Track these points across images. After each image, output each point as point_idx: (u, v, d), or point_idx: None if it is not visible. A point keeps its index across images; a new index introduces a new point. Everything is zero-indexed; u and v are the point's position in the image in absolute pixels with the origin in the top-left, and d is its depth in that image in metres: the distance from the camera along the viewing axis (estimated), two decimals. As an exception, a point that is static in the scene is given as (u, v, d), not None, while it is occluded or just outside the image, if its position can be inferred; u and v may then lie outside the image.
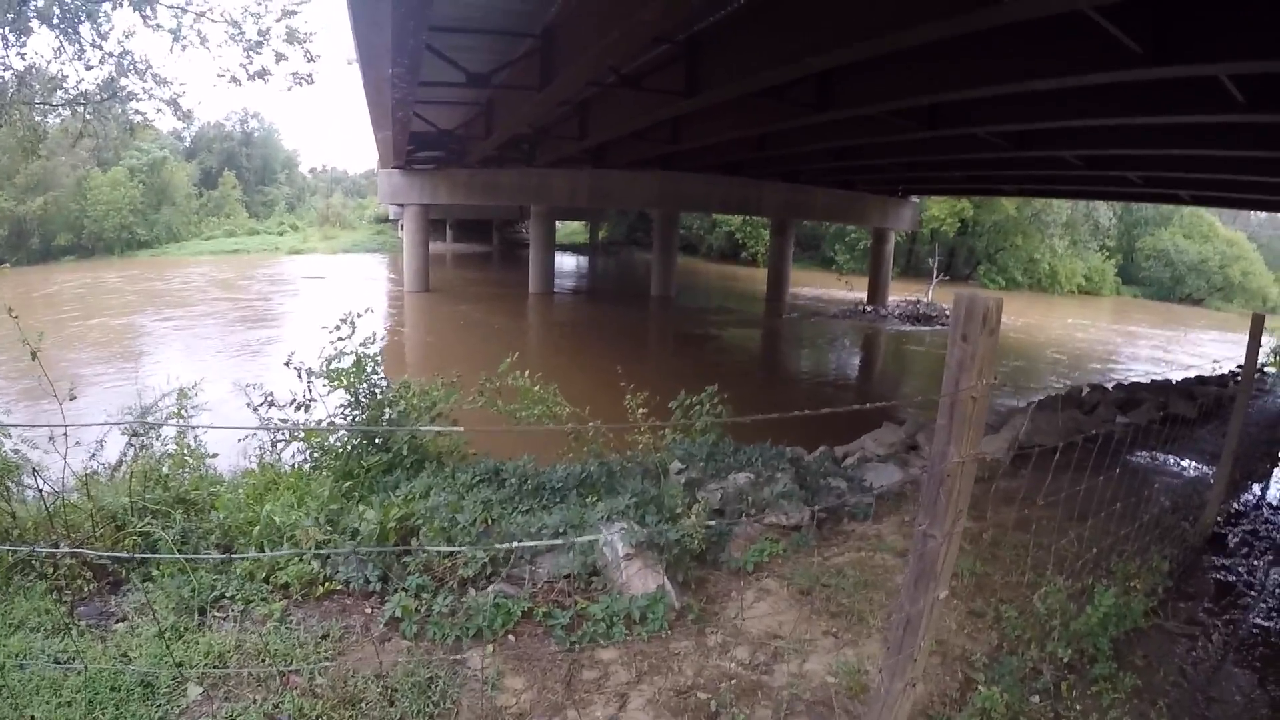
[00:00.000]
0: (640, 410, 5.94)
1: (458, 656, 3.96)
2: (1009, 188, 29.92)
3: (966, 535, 3.28)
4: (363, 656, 3.92)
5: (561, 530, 4.89)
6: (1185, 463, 8.64)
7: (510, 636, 4.16)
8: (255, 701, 3.55)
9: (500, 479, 5.76)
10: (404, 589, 4.32)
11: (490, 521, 5.05)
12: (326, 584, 4.49)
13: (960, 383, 2.46)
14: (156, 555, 4.58)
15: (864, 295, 37.57)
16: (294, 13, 13.47)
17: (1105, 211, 57.28)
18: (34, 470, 5.13)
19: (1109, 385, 15.94)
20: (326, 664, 3.81)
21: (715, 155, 25.97)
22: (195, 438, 5.93)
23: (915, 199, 38.83)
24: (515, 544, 4.65)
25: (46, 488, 4.99)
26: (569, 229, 69.03)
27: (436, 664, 3.85)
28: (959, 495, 2.61)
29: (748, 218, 51.95)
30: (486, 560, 4.60)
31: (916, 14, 8.32)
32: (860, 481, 6.88)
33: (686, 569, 4.77)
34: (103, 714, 3.41)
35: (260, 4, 13.23)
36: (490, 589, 4.42)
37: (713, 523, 5.09)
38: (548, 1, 12.57)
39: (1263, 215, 62.40)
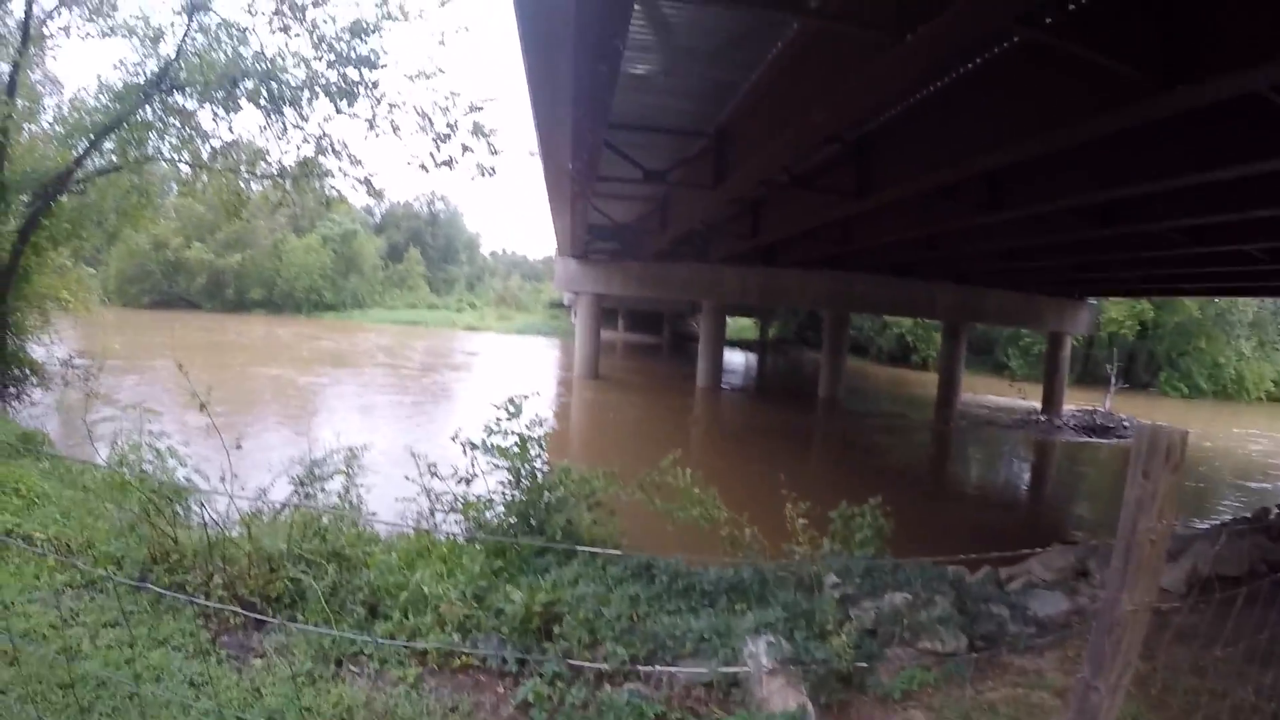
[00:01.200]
0: (800, 521, 5.74)
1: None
2: (1189, 286, 28.49)
3: (1133, 678, 3.00)
4: (488, 736, 3.84)
5: (707, 636, 4.73)
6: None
7: None
8: None
9: (651, 575, 5.63)
10: (540, 674, 4.26)
11: (636, 618, 4.92)
12: (464, 657, 4.46)
13: (1138, 523, 2.24)
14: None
15: (1038, 403, 35.60)
16: (479, 108, 14.01)
17: None
18: (202, 503, 5.38)
19: None
20: None
21: (885, 256, 25.72)
22: (358, 494, 6.15)
23: (1092, 300, 36.97)
24: (657, 645, 4.53)
25: (211, 519, 5.25)
26: (738, 325, 69.08)
27: None
28: (1129, 646, 2.37)
29: (918, 320, 50.75)
30: (626, 657, 4.47)
31: (1084, 109, 8.11)
32: (1023, 609, 6.45)
33: (831, 690, 4.53)
34: None
35: (449, 98, 13.73)
36: (626, 687, 4.29)
37: (862, 645, 4.84)
38: (720, 102, 12.76)
39: None
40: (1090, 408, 33.72)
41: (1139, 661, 2.58)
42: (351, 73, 13.66)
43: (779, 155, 11.57)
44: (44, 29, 14.80)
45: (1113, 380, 38.33)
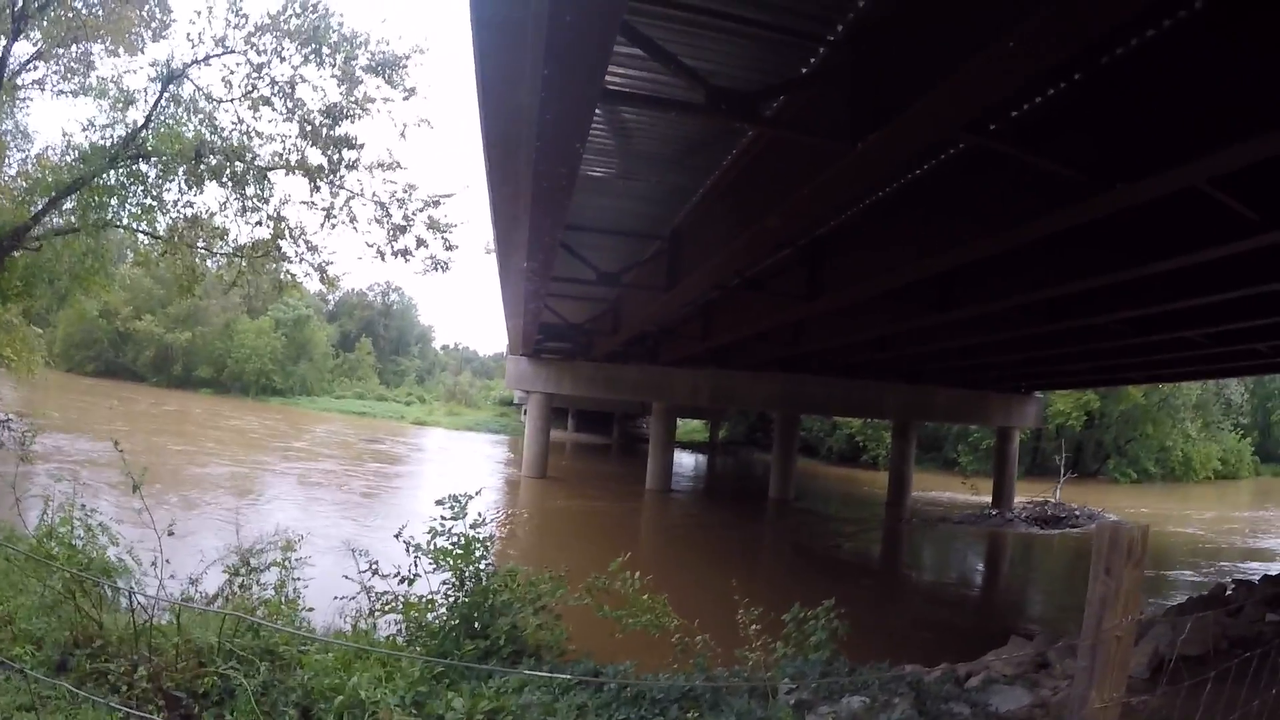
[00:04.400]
0: (753, 627, 5.68)
1: None
2: (1136, 374, 29.01)
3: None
4: None
5: None
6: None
7: None
8: None
9: (599, 683, 5.53)
10: None
11: None
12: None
13: (1103, 621, 2.25)
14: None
15: (989, 498, 35.63)
16: (437, 203, 14.21)
17: (1236, 388, 55.14)
18: (131, 587, 5.28)
19: (1255, 580, 14.80)
20: None
21: (836, 357, 26.02)
22: (294, 589, 5.98)
23: (1039, 394, 37.52)
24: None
25: (140, 603, 5.07)
26: (689, 427, 69.08)
27: None
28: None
29: (868, 419, 51.07)
30: None
31: (1029, 210, 8.37)
32: (985, 706, 6.36)
33: None
34: None
35: (406, 190, 13.93)
36: None
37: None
38: (676, 206, 12.99)
39: None
40: (1041, 499, 33.88)
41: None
42: (333, 154, 13.84)
43: (732, 259, 11.71)
44: (17, 80, 14.88)
45: (1062, 470, 38.84)
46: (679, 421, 43.86)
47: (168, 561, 5.38)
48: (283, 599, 5.86)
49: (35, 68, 15.04)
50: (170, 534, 5.64)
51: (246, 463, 30.09)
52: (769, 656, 5.68)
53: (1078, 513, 31.05)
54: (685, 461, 52.06)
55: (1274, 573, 15.86)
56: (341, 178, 14.30)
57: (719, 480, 49.32)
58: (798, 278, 13.96)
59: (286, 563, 5.94)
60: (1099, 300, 13.39)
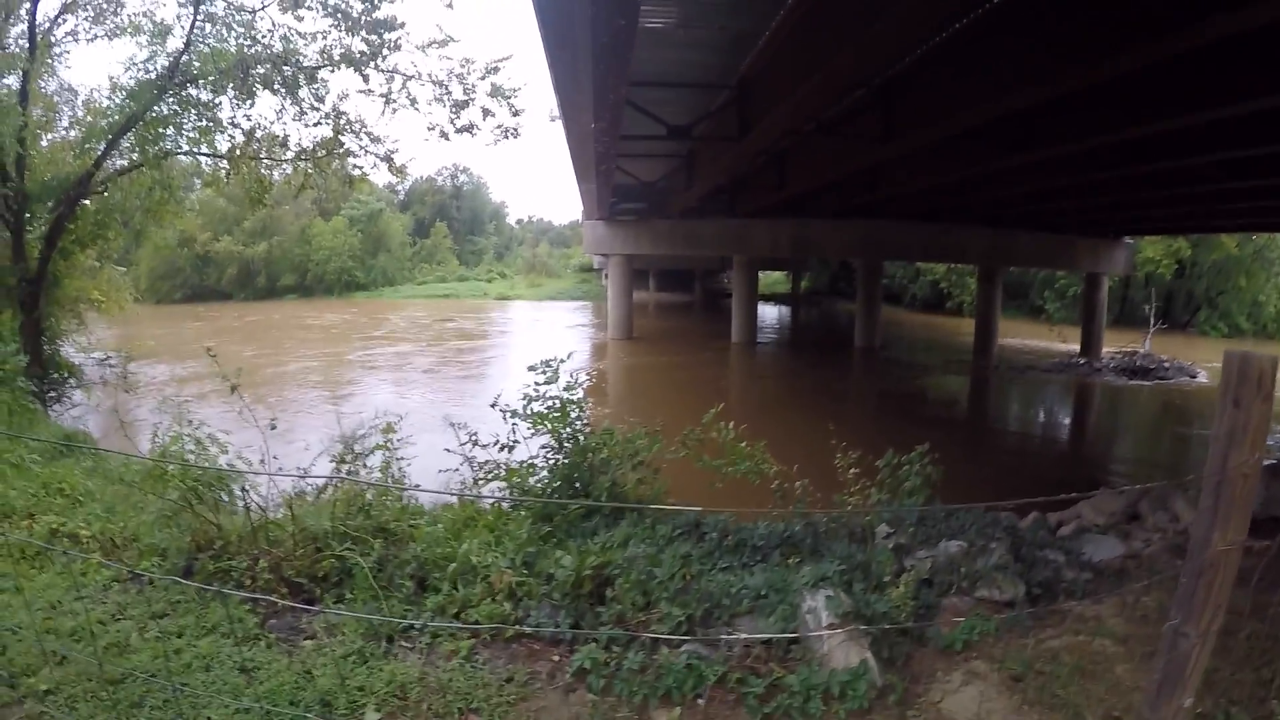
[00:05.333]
0: (851, 470, 5.61)
1: (644, 717, 3.80)
2: (1229, 222, 27.62)
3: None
4: (546, 705, 3.83)
5: (763, 593, 4.64)
6: None
7: (700, 701, 3.94)
8: None
9: (700, 533, 5.56)
10: (595, 640, 4.18)
11: (689, 578, 4.82)
12: (516, 627, 4.41)
13: (1229, 458, 2.10)
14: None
15: (1076, 346, 35.02)
16: (496, 69, 13.89)
17: None
18: (244, 487, 5.46)
19: None
20: (508, 708, 3.76)
21: (915, 201, 25.26)
22: (399, 468, 6.10)
23: (1129, 240, 36.22)
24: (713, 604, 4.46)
25: (254, 502, 5.32)
26: (771, 279, 68.60)
27: None
28: (1221, 588, 2.24)
29: (952, 265, 49.98)
30: (682, 618, 4.39)
31: (1114, 42, 7.80)
32: (1078, 555, 6.26)
33: (892, 643, 4.41)
34: None
35: (464, 64, 13.67)
36: (684, 649, 4.20)
37: (919, 596, 4.72)
38: (741, 53, 12.57)
39: None
40: (1130, 349, 32.92)
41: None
42: (374, 38, 13.64)
43: (804, 104, 11.34)
44: (50, 37, 14.88)
45: (1151, 321, 37.48)
46: (760, 274, 43.44)
47: (275, 458, 5.49)
48: (389, 479, 5.96)
49: (64, 20, 14.96)
50: (273, 428, 5.76)
51: (333, 356, 30.85)
52: (865, 501, 5.61)
53: (1167, 365, 29.98)
54: (769, 314, 51.94)
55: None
56: (392, 64, 14.09)
57: (803, 331, 49.17)
58: (872, 120, 13.46)
59: (388, 444, 6.02)
60: (1192, 141, 12.61)
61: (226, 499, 5.69)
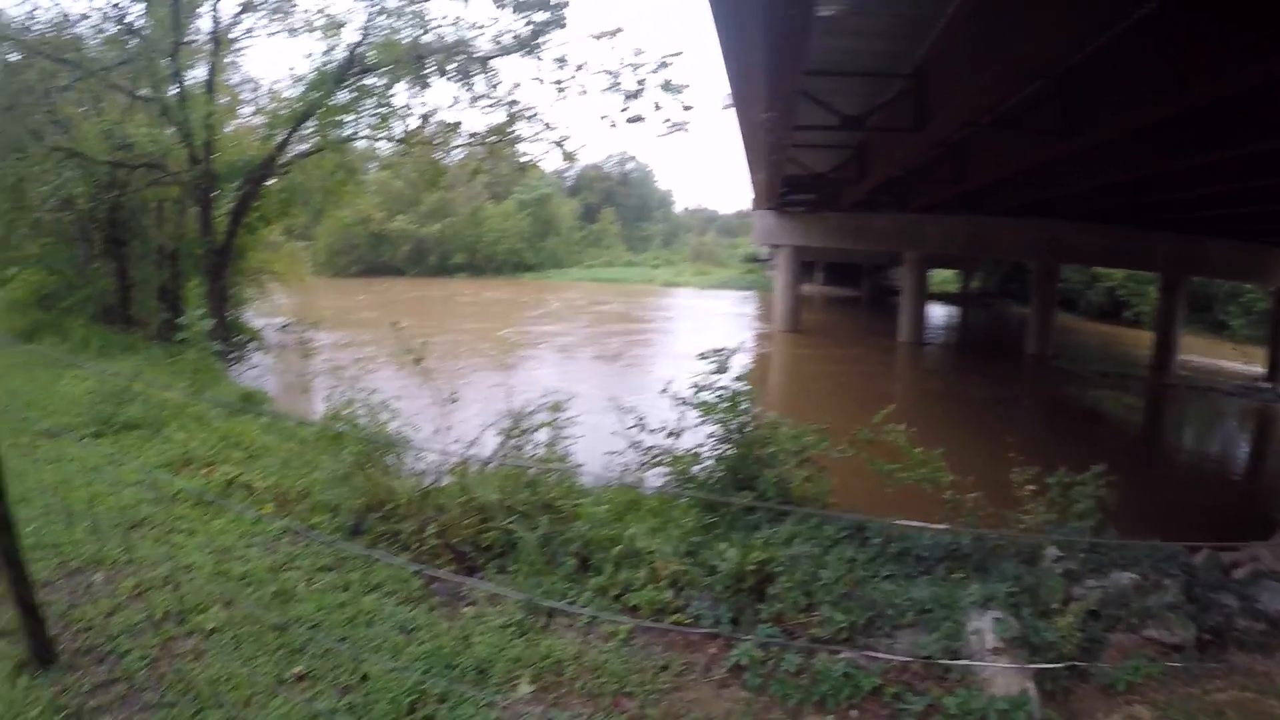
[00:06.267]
0: (1029, 487, 5.44)
1: (796, 720, 3.72)
2: None
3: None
4: (699, 697, 3.81)
5: (929, 607, 4.51)
6: None
7: (853, 712, 3.84)
8: (583, 715, 3.56)
9: (864, 537, 5.44)
10: (752, 638, 4.15)
11: (853, 583, 4.75)
12: (676, 614, 4.44)
13: None
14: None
15: (1261, 368, 32.16)
16: (667, 64, 14.02)
17: None
18: (417, 454, 5.75)
19: None
20: (660, 695, 3.76)
21: (1096, 201, 23.99)
22: (564, 446, 6.23)
23: None
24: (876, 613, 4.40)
25: (424, 469, 5.59)
26: (939, 277, 66.69)
27: None
28: None
29: (1132, 272, 47.32)
30: (845, 624, 4.33)
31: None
32: (1253, 602, 5.84)
33: (1054, 675, 4.22)
34: (433, 686, 3.56)
35: (636, 55, 13.85)
36: (842, 656, 4.12)
37: (1086, 628, 4.53)
38: (916, 39, 12.26)
39: None
40: (1327, 375, 30.35)
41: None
42: (539, 16, 13.99)
43: (983, 94, 10.98)
44: (231, 33, 16.03)
45: None
46: (930, 272, 42.40)
47: (448, 429, 5.70)
48: (553, 457, 6.11)
49: (243, 19, 16.06)
50: (453, 400, 6.01)
51: (502, 334, 31.53)
52: (1040, 520, 5.43)
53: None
54: (936, 313, 50.55)
55: None
56: (562, 52, 14.41)
57: (972, 333, 47.57)
58: (1053, 112, 12.85)
59: (555, 422, 6.15)
60: None
61: (395, 464, 5.91)
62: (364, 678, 3.64)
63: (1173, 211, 25.10)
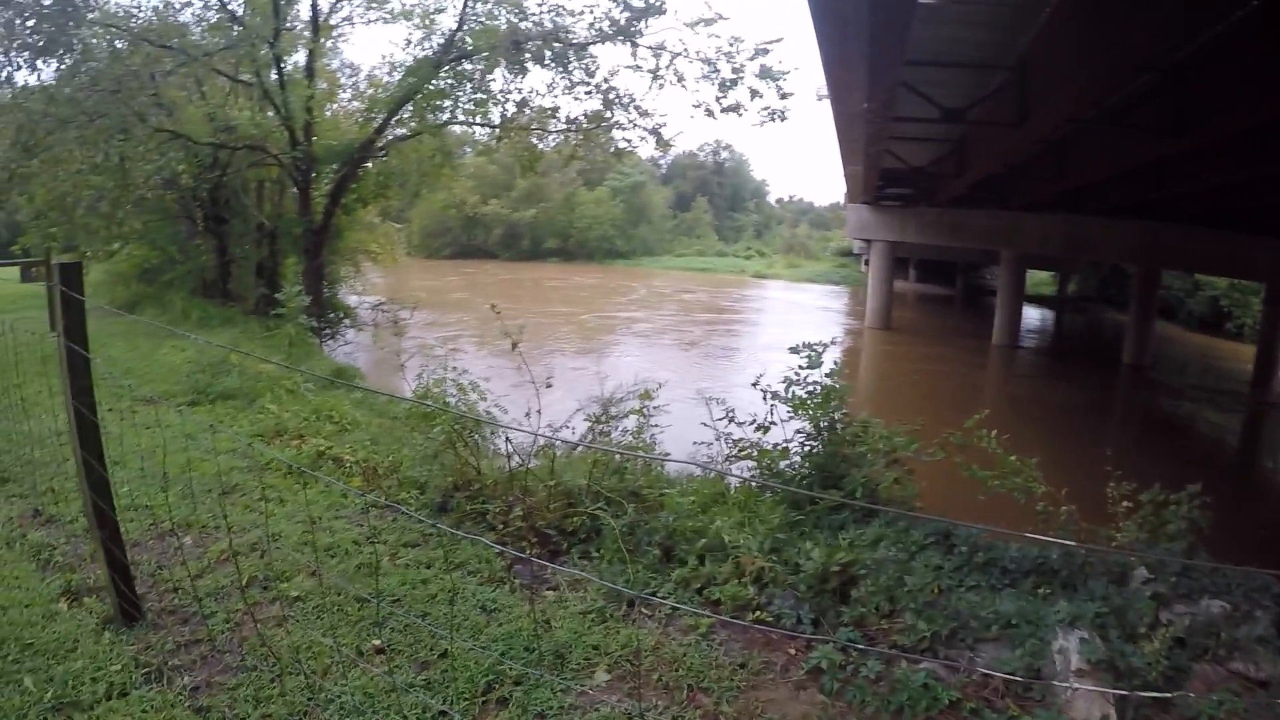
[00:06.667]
0: (1124, 504, 5.27)
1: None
2: None
3: None
4: (775, 698, 3.76)
5: (1014, 622, 4.38)
6: None
7: None
8: (658, 706, 3.54)
9: (950, 545, 5.33)
10: (834, 641, 4.09)
11: (938, 591, 4.66)
12: (758, 611, 4.39)
13: None
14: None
15: None
16: (766, 50, 13.91)
17: None
18: (506, 435, 5.77)
19: None
20: (737, 693, 3.72)
21: (1201, 204, 23.15)
22: (651, 435, 6.26)
23: None
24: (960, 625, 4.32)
25: (513, 450, 5.62)
26: (1035, 279, 65.07)
27: None
28: None
29: (1235, 281, 45.50)
30: (928, 633, 4.24)
31: None
32: (1347, 641, 5.61)
33: (1137, 704, 4.11)
34: (510, 668, 3.58)
35: (732, 43, 13.78)
36: (922, 665, 4.03)
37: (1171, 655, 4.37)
38: (1019, 30, 12.00)
39: None
40: None
41: None
42: (636, 2, 14.03)
43: (1089, 88, 10.69)
44: (329, 19, 16.66)
45: None
46: (1026, 273, 41.53)
47: (539, 412, 5.73)
48: (641, 444, 6.12)
49: (341, 6, 16.74)
50: (549, 386, 6.05)
51: (585, 319, 31.57)
52: (1132, 539, 5.26)
53: None
54: (1031, 316, 49.45)
55: None
56: (659, 40, 14.45)
57: (1067, 338, 46.34)
58: (1160, 109, 12.45)
59: (644, 411, 6.16)
60: None
61: (484, 445, 5.97)
62: (443, 655, 3.67)
63: None
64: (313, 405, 8.15)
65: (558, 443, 5.89)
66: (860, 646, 4.08)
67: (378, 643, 3.75)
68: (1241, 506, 14.69)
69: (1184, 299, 52.58)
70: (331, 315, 17.89)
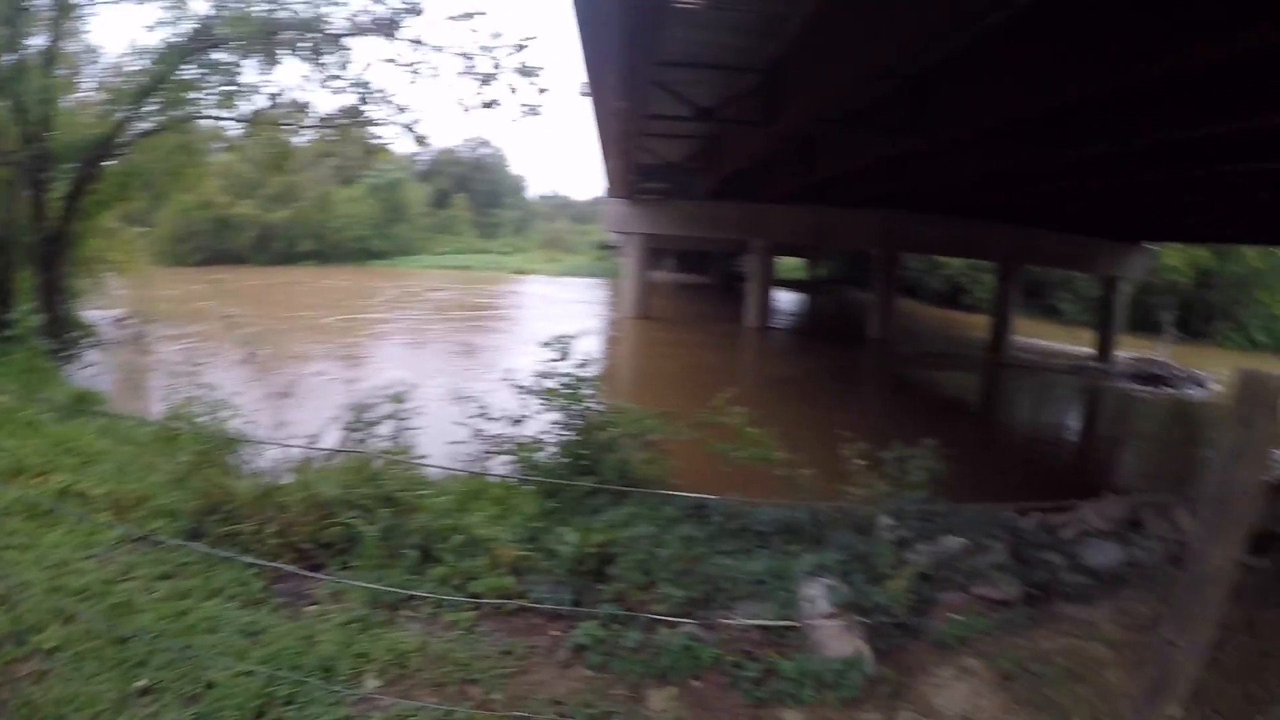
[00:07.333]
0: (859, 461, 5.63)
1: (638, 695, 3.86)
2: (1256, 235, 27.46)
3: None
4: (543, 679, 3.90)
5: (763, 579, 4.71)
6: None
7: (695, 682, 4.01)
8: (429, 705, 3.58)
9: (704, 515, 5.60)
10: (594, 617, 4.25)
11: (691, 560, 4.87)
12: (520, 599, 4.48)
13: (1232, 473, 2.11)
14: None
15: (1090, 349, 34.88)
16: (524, 47, 13.92)
17: None
18: (257, 452, 5.66)
19: None
20: (505, 680, 3.83)
21: (939, 195, 25.12)
22: (407, 438, 6.18)
23: (1150, 246, 36.06)
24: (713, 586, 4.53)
25: (263, 467, 5.48)
26: (787, 265, 68.12)
27: (615, 699, 3.78)
28: (1215, 602, 2.26)
29: (970, 261, 49.72)
30: (682, 599, 4.45)
31: (1161, 45, 7.75)
32: (1077, 558, 6.29)
33: (888, 635, 4.46)
34: (279, 689, 3.53)
35: (493, 38, 13.70)
36: (681, 629, 4.27)
37: (917, 590, 4.76)
38: (772, 36, 12.51)
39: None
40: (1143, 356, 32.86)
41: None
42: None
43: (834, 91, 11.30)
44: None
45: (1168, 329, 37.14)
46: (778, 259, 43.37)
47: (286, 423, 5.59)
48: (397, 449, 6.04)
49: None
50: (286, 395, 5.86)
51: (344, 324, 30.67)
52: (873, 494, 5.64)
53: (1179, 374, 29.71)
54: (784, 300, 51.65)
55: None
56: (418, 34, 14.16)
57: (817, 319, 48.95)
58: (902, 111, 13.37)
59: (398, 414, 6.13)
60: (1230, 149, 12.49)
61: (237, 464, 5.74)
62: (209, 685, 3.57)
63: (1011, 206, 26.64)
64: (54, 438, 7.51)
65: (313, 454, 5.77)
66: (616, 614, 4.28)
67: (142, 683, 3.58)
68: (981, 454, 16.00)
69: (923, 277, 56.82)
70: (71, 334, 16.60)
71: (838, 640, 4.21)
